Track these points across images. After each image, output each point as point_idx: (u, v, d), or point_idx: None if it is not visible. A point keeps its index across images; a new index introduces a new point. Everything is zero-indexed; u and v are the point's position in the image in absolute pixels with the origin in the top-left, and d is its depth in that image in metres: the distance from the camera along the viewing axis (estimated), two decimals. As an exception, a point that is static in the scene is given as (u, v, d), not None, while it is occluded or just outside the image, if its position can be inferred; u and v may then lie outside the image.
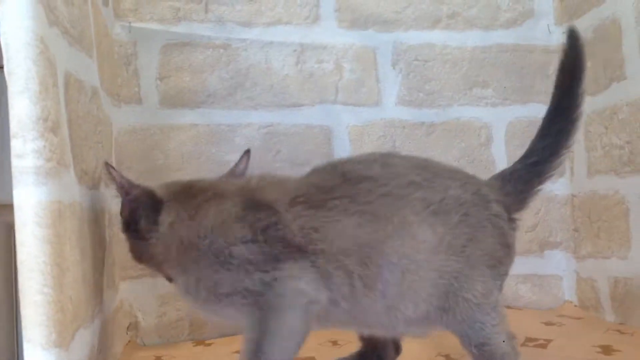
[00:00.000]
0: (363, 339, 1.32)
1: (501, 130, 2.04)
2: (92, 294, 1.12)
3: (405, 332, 1.18)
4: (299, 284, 1.00)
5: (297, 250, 1.01)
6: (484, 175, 2.01)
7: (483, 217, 1.08)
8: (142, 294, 1.77)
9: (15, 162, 0.82)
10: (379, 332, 1.20)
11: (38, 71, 0.83)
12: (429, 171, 1.09)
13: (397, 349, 1.33)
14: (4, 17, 0.83)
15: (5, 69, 0.84)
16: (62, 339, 0.83)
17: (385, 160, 1.10)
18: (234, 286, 1.01)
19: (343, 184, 1.05)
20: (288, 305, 1.00)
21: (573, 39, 1.26)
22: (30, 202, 0.81)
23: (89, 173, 1.17)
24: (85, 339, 1.02)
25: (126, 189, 1.14)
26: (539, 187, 1.26)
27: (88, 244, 1.10)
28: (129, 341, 1.72)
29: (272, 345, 0.99)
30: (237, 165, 1.31)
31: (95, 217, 1.20)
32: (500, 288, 1.14)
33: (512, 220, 1.17)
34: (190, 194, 1.14)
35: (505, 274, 1.14)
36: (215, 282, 1.02)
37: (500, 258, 1.11)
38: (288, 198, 1.07)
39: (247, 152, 1.30)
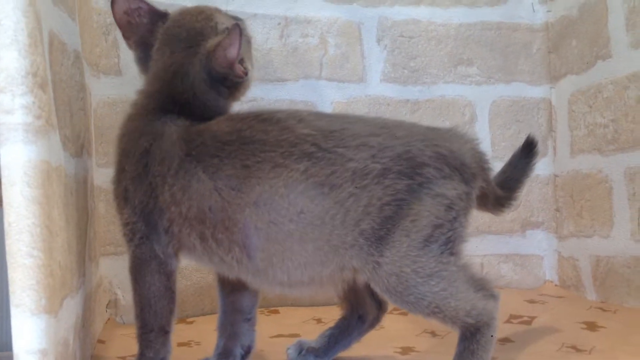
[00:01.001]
0: (343, 301, 1.30)
1: (485, 108, 2.04)
2: (77, 264, 1.08)
3: (290, 293, 1.14)
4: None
5: None
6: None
7: (399, 189, 1.02)
8: (122, 271, 1.70)
9: (3, 118, 0.77)
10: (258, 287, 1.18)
11: (27, 23, 0.79)
12: (334, 139, 1.03)
13: (380, 305, 1.28)
14: (-11, -36, 0.78)
15: (-10, 21, 0.79)
16: (51, 304, 0.79)
17: (295, 121, 1.06)
18: None
19: (235, 141, 1.04)
20: None
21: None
22: (19, 160, 0.76)
23: (71, 140, 1.12)
24: (71, 308, 0.98)
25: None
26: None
27: (72, 212, 1.05)
28: (109, 319, 1.67)
29: None
30: None
31: (77, 187, 1.15)
32: (445, 248, 1.05)
33: (467, 167, 1.09)
34: None
35: (450, 233, 1.06)
36: None
37: (433, 220, 1.04)
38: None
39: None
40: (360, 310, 1.29)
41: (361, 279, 1.08)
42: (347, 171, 1.01)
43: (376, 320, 1.30)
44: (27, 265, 0.76)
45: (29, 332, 0.76)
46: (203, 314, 1.74)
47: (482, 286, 1.11)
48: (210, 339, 1.30)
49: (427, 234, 1.04)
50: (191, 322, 1.69)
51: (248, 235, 1.02)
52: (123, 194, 1.09)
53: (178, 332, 1.58)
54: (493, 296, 1.12)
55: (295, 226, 1.01)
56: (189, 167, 1.04)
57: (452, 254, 1.07)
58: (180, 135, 1.07)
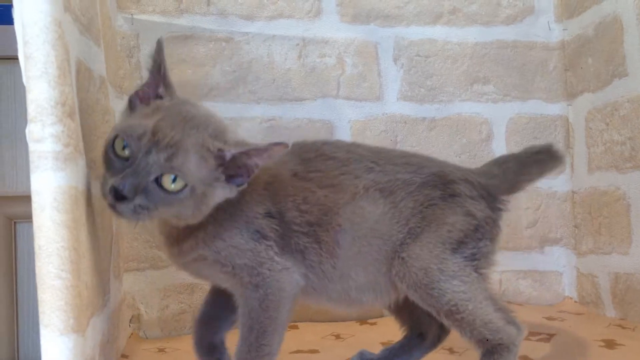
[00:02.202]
0: (404, 322, 1.36)
1: (502, 126, 2.05)
2: (103, 282, 1.12)
3: (359, 301, 1.22)
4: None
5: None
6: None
7: (435, 195, 1.20)
8: (145, 286, 1.76)
9: (33, 147, 0.81)
10: (337, 305, 1.24)
11: (57, 55, 0.83)
12: (383, 159, 1.23)
13: (442, 325, 1.31)
14: (21, 1, 0.82)
15: (21, 53, 0.84)
16: (79, 324, 0.82)
17: (349, 147, 1.26)
18: None
19: (317, 158, 1.21)
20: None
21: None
22: (49, 187, 0.80)
23: (98, 163, 1.16)
24: (97, 326, 1.01)
25: None
26: (537, 174, 1.31)
27: (98, 232, 1.09)
28: (132, 334, 1.71)
29: None
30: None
31: (103, 206, 1.19)
32: (471, 263, 1.18)
33: (494, 200, 1.24)
34: None
35: (475, 250, 1.19)
36: None
37: (461, 233, 1.19)
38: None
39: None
40: (420, 329, 1.34)
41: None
42: (398, 180, 1.20)
43: (437, 339, 1.35)
44: (56, 287, 0.79)
45: (58, 351, 0.79)
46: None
47: (505, 311, 1.19)
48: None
49: (455, 241, 1.18)
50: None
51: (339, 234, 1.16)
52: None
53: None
54: (516, 324, 1.18)
55: (370, 224, 1.17)
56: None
57: (476, 271, 1.19)
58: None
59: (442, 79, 2.02)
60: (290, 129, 1.91)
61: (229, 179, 1.05)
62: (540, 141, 2.05)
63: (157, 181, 0.97)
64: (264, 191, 1.14)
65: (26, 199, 0.83)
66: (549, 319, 1.80)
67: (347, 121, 1.96)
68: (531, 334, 1.63)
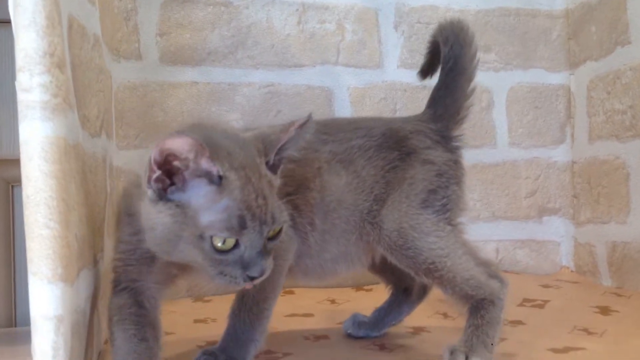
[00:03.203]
0: (388, 280, 1.37)
1: (502, 95, 2.03)
2: (95, 239, 1.12)
3: (333, 272, 1.24)
4: None
5: None
6: (484, 139, 2.01)
7: (394, 157, 1.20)
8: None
9: (22, 96, 0.81)
10: (311, 279, 1.26)
11: (45, 5, 0.82)
12: (334, 128, 1.24)
13: (425, 288, 1.35)
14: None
15: (11, 2, 0.83)
16: (67, 273, 0.82)
17: None
18: None
19: None
20: None
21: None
22: (36, 136, 0.80)
23: (91, 120, 1.16)
24: (89, 280, 1.01)
25: None
26: (468, 88, 1.30)
27: (90, 188, 1.09)
28: (128, 297, 1.71)
29: None
30: None
31: (96, 165, 1.19)
32: (443, 216, 1.18)
33: (449, 141, 1.25)
34: None
35: (445, 200, 1.19)
36: None
37: (425, 183, 1.19)
38: None
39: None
40: (404, 284, 1.36)
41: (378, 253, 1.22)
42: (353, 148, 1.20)
43: (423, 291, 1.36)
44: (44, 236, 0.79)
45: (46, 299, 0.80)
46: (219, 294, 1.78)
47: (486, 265, 1.18)
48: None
49: (422, 195, 1.18)
50: (208, 301, 1.73)
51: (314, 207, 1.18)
52: None
53: (196, 310, 1.63)
54: (499, 278, 1.18)
55: (336, 197, 1.18)
56: None
57: (449, 224, 1.19)
58: None
59: (443, 46, 2.00)
60: (289, 95, 1.90)
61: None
62: (541, 111, 2.04)
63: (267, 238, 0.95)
64: None
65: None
66: (544, 286, 1.81)
67: (346, 88, 1.95)
68: (525, 300, 1.63)
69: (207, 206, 0.89)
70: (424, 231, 1.15)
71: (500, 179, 2.02)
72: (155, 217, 0.90)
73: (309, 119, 0.98)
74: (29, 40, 0.81)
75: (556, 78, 2.03)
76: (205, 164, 0.87)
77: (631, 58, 1.73)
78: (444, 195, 1.19)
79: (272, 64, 1.89)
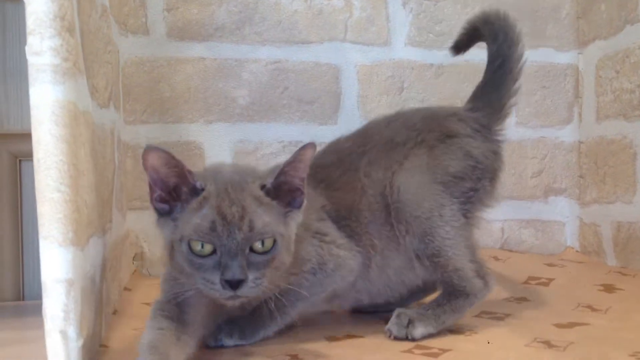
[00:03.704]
0: None
1: (510, 74, 2.02)
2: (104, 208, 1.12)
3: (402, 283, 1.27)
4: None
5: None
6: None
7: (433, 137, 1.24)
8: (148, 225, 1.76)
9: (32, 60, 0.81)
10: (378, 297, 1.29)
11: (55, -32, 0.82)
12: (370, 133, 1.30)
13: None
14: None
15: (20, -33, 0.83)
16: (78, 238, 0.83)
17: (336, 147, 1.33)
18: None
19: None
20: None
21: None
22: (47, 100, 0.80)
23: (99, 90, 1.16)
24: (98, 247, 1.02)
25: None
26: (513, 87, 1.33)
27: (99, 159, 1.10)
28: (135, 270, 1.73)
29: None
30: None
31: (104, 136, 1.19)
32: (463, 207, 1.21)
33: (489, 132, 1.28)
34: None
35: (471, 193, 1.22)
36: None
37: (457, 173, 1.21)
38: None
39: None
40: None
41: None
42: (392, 145, 1.26)
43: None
44: (54, 200, 0.80)
45: (57, 262, 0.80)
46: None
47: (479, 264, 1.22)
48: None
49: (453, 185, 1.20)
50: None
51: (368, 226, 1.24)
52: None
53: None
54: (485, 280, 1.21)
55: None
56: None
57: (465, 215, 1.21)
58: None
59: (451, 24, 1.98)
60: (296, 72, 1.89)
61: (288, 206, 1.06)
62: (549, 90, 2.03)
63: (252, 251, 0.98)
64: None
65: (31, 137, 0.82)
66: (549, 265, 1.81)
67: (354, 65, 1.94)
68: (530, 278, 1.64)
69: (189, 215, 0.98)
70: (446, 220, 1.18)
71: (507, 158, 1.97)
72: (160, 233, 1.03)
73: (309, 145, 1.03)
74: (39, 4, 0.80)
75: (565, 57, 2.02)
76: (191, 179, 0.99)
77: (641, 36, 1.72)
78: (472, 188, 1.22)
79: (279, 40, 1.89)
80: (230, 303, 0.99)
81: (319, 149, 1.15)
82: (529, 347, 1.10)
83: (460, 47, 1.46)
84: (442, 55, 1.98)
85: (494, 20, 1.35)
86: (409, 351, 1.09)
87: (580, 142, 2.00)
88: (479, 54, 1.98)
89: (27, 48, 0.81)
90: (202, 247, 0.96)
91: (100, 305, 1.06)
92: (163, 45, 1.81)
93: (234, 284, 0.94)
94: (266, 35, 1.88)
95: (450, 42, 1.95)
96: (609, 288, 1.53)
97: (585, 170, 1.98)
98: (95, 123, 1.07)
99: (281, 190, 1.04)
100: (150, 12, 1.80)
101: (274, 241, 0.99)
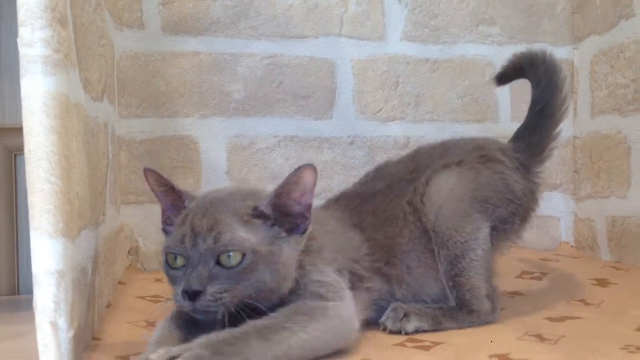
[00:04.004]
0: None
1: (506, 69, 2.02)
2: (97, 201, 1.12)
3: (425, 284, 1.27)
4: None
5: None
6: (486, 113, 2.01)
7: (473, 159, 1.26)
8: (143, 219, 1.77)
9: (23, 51, 0.81)
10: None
11: (46, -40, 0.81)
12: (419, 161, 1.32)
13: None
14: None
15: (11, -42, 0.83)
16: (69, 229, 0.83)
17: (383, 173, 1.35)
18: None
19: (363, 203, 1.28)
20: None
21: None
22: (38, 91, 0.80)
23: (92, 84, 1.16)
24: (90, 240, 1.02)
25: None
26: (554, 132, 1.36)
27: (92, 151, 1.10)
28: (130, 265, 1.73)
29: None
30: None
31: (98, 129, 1.19)
32: (494, 233, 1.23)
33: (528, 172, 1.30)
34: None
35: (504, 220, 1.25)
36: None
37: (496, 202, 1.23)
38: None
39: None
40: None
41: None
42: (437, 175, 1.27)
43: None
44: (45, 191, 0.80)
45: (47, 253, 0.80)
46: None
47: (492, 286, 1.23)
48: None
49: (491, 210, 1.23)
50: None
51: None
52: None
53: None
54: (494, 304, 1.23)
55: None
56: None
57: (491, 241, 1.23)
58: None
59: (446, 19, 1.99)
60: (292, 66, 1.89)
61: (291, 232, 1.03)
62: (544, 85, 2.03)
63: (220, 265, 0.96)
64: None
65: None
66: (543, 260, 1.82)
67: (349, 60, 1.94)
68: (524, 272, 1.64)
69: (174, 231, 1.01)
70: (479, 244, 1.21)
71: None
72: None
73: (306, 167, 1.00)
74: (30, -5, 0.80)
75: (560, 52, 2.02)
76: (180, 197, 1.04)
77: (635, 31, 1.72)
78: (504, 220, 1.25)
79: (274, 35, 1.89)
80: (198, 317, 0.97)
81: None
82: (521, 340, 1.10)
83: (503, 79, 1.50)
84: (438, 50, 1.99)
85: (539, 64, 1.38)
86: (401, 344, 1.09)
87: (575, 137, 2.01)
88: (474, 48, 2.00)
89: (18, 39, 0.81)
90: (175, 259, 0.98)
91: (93, 297, 1.06)
92: (158, 40, 1.81)
93: (191, 295, 0.93)
94: (261, 30, 1.88)
95: (446, 37, 1.98)
96: (602, 282, 1.54)
97: (580, 165, 1.98)
98: (88, 116, 1.07)
99: (281, 214, 1.02)
100: (146, 6, 1.80)
101: (244, 255, 0.96)
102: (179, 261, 0.97)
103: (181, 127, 1.82)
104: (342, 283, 1.09)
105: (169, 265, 0.99)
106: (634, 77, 1.71)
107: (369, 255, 1.19)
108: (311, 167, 1.00)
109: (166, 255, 0.99)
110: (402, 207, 1.24)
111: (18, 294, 1.90)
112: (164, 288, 1.52)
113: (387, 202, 1.25)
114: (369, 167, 1.90)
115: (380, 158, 1.91)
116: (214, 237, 0.95)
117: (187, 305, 0.93)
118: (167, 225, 1.06)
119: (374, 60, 1.95)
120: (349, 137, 1.93)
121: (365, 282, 1.17)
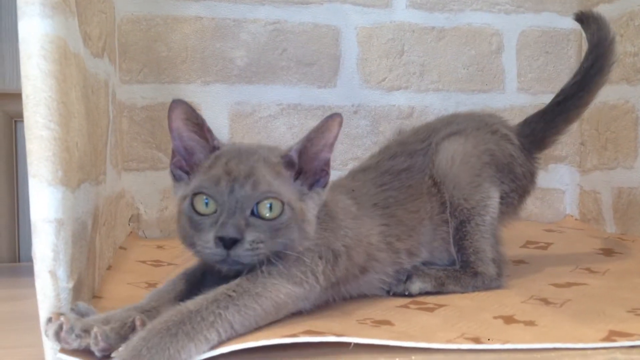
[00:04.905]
0: None
1: (513, 39, 1.99)
2: (97, 159, 1.10)
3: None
4: None
5: None
6: (492, 84, 1.98)
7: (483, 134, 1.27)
8: (144, 187, 1.76)
9: (21, -7, 0.78)
10: None
11: None
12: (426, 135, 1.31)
13: None
14: None
15: None
16: (68, 178, 0.81)
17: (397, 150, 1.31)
18: None
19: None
20: None
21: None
22: (36, 34, 0.78)
23: (92, 39, 1.13)
24: (90, 196, 1.00)
25: None
26: (565, 127, 1.37)
27: (92, 108, 1.07)
28: (131, 232, 1.71)
29: None
30: None
31: (98, 86, 1.17)
32: (501, 200, 1.24)
33: (531, 154, 1.32)
34: None
35: (507, 195, 1.26)
36: None
37: (502, 172, 1.25)
38: None
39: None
40: None
41: None
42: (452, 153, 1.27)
43: None
44: (43, 137, 0.78)
45: (46, 201, 0.78)
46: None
47: (499, 252, 1.23)
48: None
49: (498, 179, 1.24)
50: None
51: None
52: None
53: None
54: (500, 269, 1.22)
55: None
56: None
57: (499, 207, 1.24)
58: None
59: (453, -13, 1.95)
60: (295, 33, 1.87)
61: (312, 187, 1.00)
62: (551, 56, 2.01)
63: (255, 215, 0.90)
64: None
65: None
66: (548, 231, 1.80)
67: (354, 27, 1.91)
68: (528, 242, 1.62)
69: (200, 174, 0.94)
70: (488, 210, 1.22)
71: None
72: (174, 197, 0.98)
73: (336, 116, 0.97)
74: None
75: (568, 22, 1.98)
76: (209, 137, 0.96)
77: (646, -1, 1.69)
78: (505, 193, 1.26)
79: (278, 0, 1.85)
80: (224, 269, 0.91)
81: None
82: (526, 303, 1.09)
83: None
84: (444, 18, 1.96)
85: (591, 54, 1.41)
86: (405, 306, 1.08)
87: (582, 109, 1.98)
88: (481, 17, 1.97)
89: (16, -19, 0.79)
90: (205, 205, 0.90)
91: (93, 255, 1.04)
92: (160, 3, 1.78)
93: (227, 243, 0.86)
94: (265, -5, 1.85)
95: (452, 5, 1.95)
96: (607, 252, 1.52)
97: (586, 137, 1.96)
98: (88, 70, 1.05)
99: (304, 168, 0.99)
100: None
101: (282, 209, 0.91)
102: (210, 206, 0.89)
103: (183, 93, 1.79)
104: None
105: (194, 210, 0.90)
106: (644, 45, 1.69)
107: (386, 231, 1.16)
108: (340, 117, 0.97)
109: (193, 197, 0.90)
110: (422, 179, 1.24)
111: (19, 261, 1.90)
112: (166, 254, 1.51)
113: (410, 178, 1.24)
114: (373, 137, 1.90)
115: (384, 128, 1.90)
116: (252, 184, 0.90)
117: (218, 253, 0.87)
118: (177, 168, 0.98)
119: (379, 28, 1.92)
120: (352, 106, 1.90)
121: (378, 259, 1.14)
